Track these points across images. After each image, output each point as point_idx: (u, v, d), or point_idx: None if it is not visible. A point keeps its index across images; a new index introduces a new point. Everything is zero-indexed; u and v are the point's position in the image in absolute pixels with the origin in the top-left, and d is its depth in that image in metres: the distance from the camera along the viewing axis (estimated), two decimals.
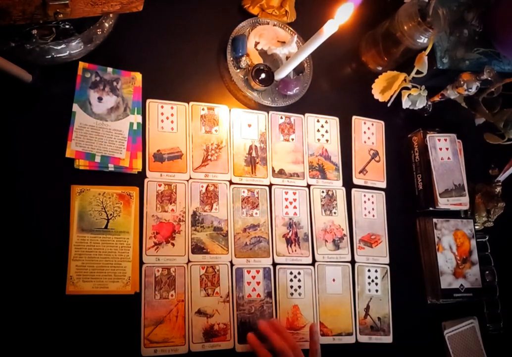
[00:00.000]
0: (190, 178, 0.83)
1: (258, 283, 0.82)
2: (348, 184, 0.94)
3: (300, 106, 0.93)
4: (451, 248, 0.95)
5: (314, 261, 0.87)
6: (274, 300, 0.83)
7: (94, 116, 0.78)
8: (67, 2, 0.64)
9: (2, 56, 0.68)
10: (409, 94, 0.93)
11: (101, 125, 0.78)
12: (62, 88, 0.78)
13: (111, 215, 0.76)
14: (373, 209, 0.94)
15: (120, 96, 0.80)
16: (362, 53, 0.99)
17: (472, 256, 0.96)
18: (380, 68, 0.98)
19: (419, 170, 0.97)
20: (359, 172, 0.95)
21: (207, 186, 0.84)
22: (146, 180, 0.80)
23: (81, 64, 0.79)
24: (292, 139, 0.92)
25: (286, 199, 0.88)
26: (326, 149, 0.94)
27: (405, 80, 0.91)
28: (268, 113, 0.91)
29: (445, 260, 0.94)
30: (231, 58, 0.89)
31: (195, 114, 0.86)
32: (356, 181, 0.94)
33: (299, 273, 0.85)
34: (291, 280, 0.85)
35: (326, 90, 0.98)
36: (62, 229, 0.74)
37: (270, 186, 0.88)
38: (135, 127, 0.80)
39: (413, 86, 0.92)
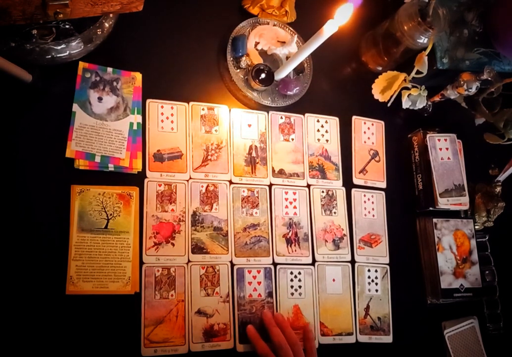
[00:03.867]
0: (190, 178, 0.83)
1: (259, 283, 0.82)
2: (348, 184, 0.94)
3: (300, 106, 0.93)
4: (451, 248, 0.95)
5: (314, 261, 0.87)
6: (275, 300, 0.83)
7: (94, 116, 0.78)
8: (67, 2, 0.64)
9: (2, 56, 0.68)
10: (409, 94, 0.93)
11: (101, 125, 0.78)
12: (62, 88, 0.78)
13: (111, 215, 0.76)
14: (373, 209, 0.94)
15: (120, 96, 0.80)
16: (362, 53, 0.99)
17: (472, 256, 0.96)
18: (380, 68, 0.98)
19: (419, 170, 0.97)
20: (359, 172, 0.95)
21: (207, 186, 0.84)
22: (146, 180, 0.80)
23: (81, 64, 0.79)
24: (292, 139, 0.92)
25: (286, 199, 0.88)
26: (326, 149, 0.94)
27: (405, 80, 0.91)
28: (268, 113, 0.91)
29: (445, 260, 0.94)
30: (231, 58, 0.89)
31: (195, 114, 0.86)
32: (356, 181, 0.94)
33: (299, 273, 0.85)
34: (292, 280, 0.85)
35: (326, 90, 0.98)
36: (62, 229, 0.74)
37: (270, 185, 0.88)
38: (135, 127, 0.80)
39: (413, 86, 0.92)
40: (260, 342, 0.76)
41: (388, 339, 0.89)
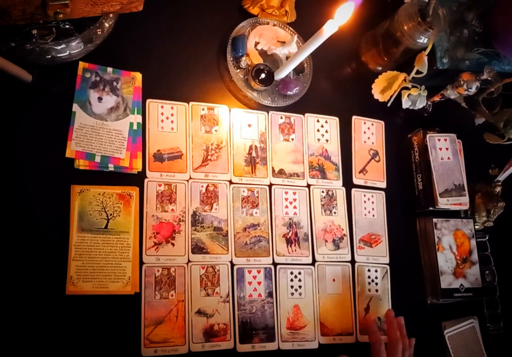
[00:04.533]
0: (190, 178, 0.83)
1: (259, 283, 0.82)
2: (348, 184, 0.94)
3: (300, 106, 0.93)
4: (451, 247, 0.95)
5: (314, 261, 0.87)
6: (275, 300, 0.83)
7: (94, 116, 0.78)
8: (67, 2, 0.64)
9: (2, 56, 0.68)
10: (409, 94, 0.93)
11: (101, 125, 0.78)
12: (62, 88, 0.78)
13: (111, 215, 0.76)
14: (373, 208, 0.94)
15: (120, 96, 0.80)
16: (362, 53, 0.99)
17: (472, 256, 0.96)
18: (380, 68, 0.98)
19: (419, 170, 0.97)
20: (359, 172, 0.95)
21: (207, 186, 0.84)
22: (146, 180, 0.80)
23: (81, 64, 0.79)
24: (292, 139, 0.92)
25: (286, 199, 0.88)
26: (326, 149, 0.94)
27: (405, 80, 0.91)
28: (268, 113, 0.91)
29: (445, 260, 0.94)
30: (231, 58, 0.89)
31: (195, 114, 0.86)
32: (356, 181, 0.94)
33: (299, 273, 0.85)
34: (292, 280, 0.85)
35: (326, 90, 0.98)
36: (62, 229, 0.74)
37: (270, 185, 0.88)
38: (135, 127, 0.80)
39: (413, 86, 0.92)
40: (377, 332, 0.82)
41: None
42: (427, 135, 0.96)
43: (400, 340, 0.80)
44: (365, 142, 0.97)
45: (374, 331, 0.82)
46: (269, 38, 0.92)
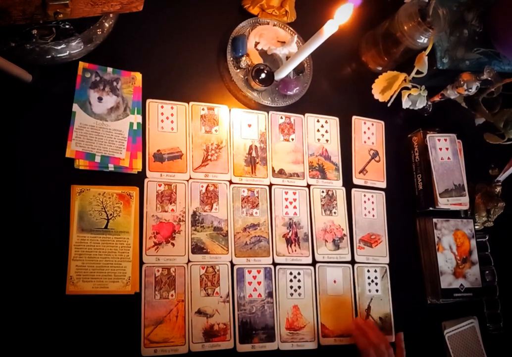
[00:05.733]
0: (190, 178, 0.83)
1: (259, 283, 0.82)
2: (348, 184, 0.94)
3: (300, 106, 0.93)
4: (451, 248, 0.95)
5: (314, 261, 0.87)
6: (274, 300, 0.83)
7: (94, 116, 0.78)
8: (67, 2, 0.64)
9: (2, 56, 0.68)
10: (409, 94, 0.93)
11: (101, 125, 0.78)
12: (62, 88, 0.78)
13: (111, 215, 0.76)
14: (373, 208, 0.94)
15: (120, 96, 0.80)
16: (362, 53, 0.99)
17: (472, 256, 0.96)
18: (380, 68, 0.98)
19: (419, 170, 0.97)
20: (359, 172, 0.95)
21: (207, 186, 0.84)
22: (146, 180, 0.80)
23: (81, 64, 0.79)
24: (292, 139, 0.92)
25: (286, 199, 0.88)
26: (326, 149, 0.94)
27: (405, 80, 0.91)
28: (268, 113, 0.91)
29: (445, 260, 0.94)
30: (231, 58, 0.89)
31: (195, 114, 0.86)
32: (356, 181, 0.94)
33: (298, 273, 0.85)
34: (291, 280, 0.85)
35: (326, 90, 0.98)
36: (62, 229, 0.74)
37: (270, 185, 0.88)
38: (135, 127, 0.80)
39: (413, 86, 0.92)
40: (361, 338, 0.81)
41: (389, 338, 0.88)
42: (427, 135, 0.97)
43: (382, 341, 0.81)
44: (365, 142, 0.97)
45: (358, 336, 0.83)
46: (269, 38, 0.92)
